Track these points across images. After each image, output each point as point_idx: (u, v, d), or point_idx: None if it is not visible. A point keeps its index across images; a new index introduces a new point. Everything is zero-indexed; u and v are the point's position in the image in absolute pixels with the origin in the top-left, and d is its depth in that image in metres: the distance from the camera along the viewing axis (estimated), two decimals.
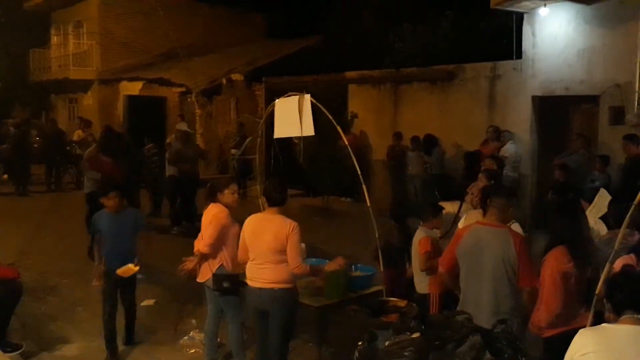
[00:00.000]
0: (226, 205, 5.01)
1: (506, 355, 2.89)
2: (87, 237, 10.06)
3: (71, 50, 22.12)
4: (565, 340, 2.81)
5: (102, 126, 14.38)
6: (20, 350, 5.44)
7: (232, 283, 4.89)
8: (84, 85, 21.65)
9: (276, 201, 4.47)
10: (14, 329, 5.76)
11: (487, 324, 3.26)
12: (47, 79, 22.57)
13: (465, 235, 4.14)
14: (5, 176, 15.10)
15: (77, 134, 15.20)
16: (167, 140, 11.90)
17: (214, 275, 4.91)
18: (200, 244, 4.98)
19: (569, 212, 3.88)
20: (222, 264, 4.93)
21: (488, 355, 2.84)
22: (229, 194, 5.03)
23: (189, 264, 5.07)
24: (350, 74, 14.01)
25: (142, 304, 6.85)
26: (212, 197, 5.08)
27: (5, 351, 5.03)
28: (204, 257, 4.97)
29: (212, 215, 4.97)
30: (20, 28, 22.31)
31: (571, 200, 4.49)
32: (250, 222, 4.54)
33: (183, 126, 11.38)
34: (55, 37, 23.61)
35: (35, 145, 16.32)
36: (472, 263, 4.04)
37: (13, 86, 23.20)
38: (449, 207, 5.21)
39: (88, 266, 8.46)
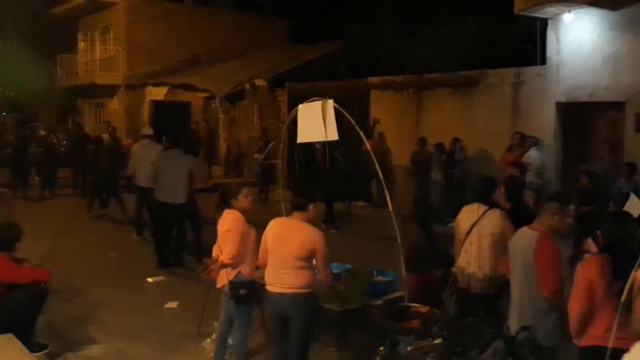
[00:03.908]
0: (241, 210, 4.98)
1: None
2: (111, 239, 10.28)
3: (98, 55, 22.49)
4: (598, 355, 2.81)
5: (128, 130, 14.51)
6: (46, 350, 5.53)
7: (249, 290, 4.89)
8: (110, 90, 21.97)
9: (296, 206, 4.46)
10: (40, 329, 5.86)
11: (516, 327, 3.29)
12: (75, 83, 22.97)
13: (512, 237, 4.31)
14: (37, 178, 15.37)
15: (104, 138, 15.41)
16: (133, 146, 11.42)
17: (231, 282, 4.88)
18: (222, 254, 4.94)
19: (622, 223, 3.81)
20: (240, 271, 4.90)
21: None
22: (243, 198, 5.00)
23: (213, 273, 5.06)
24: (372, 79, 14.02)
25: (165, 306, 6.94)
26: (226, 204, 5.05)
27: (32, 351, 5.12)
28: (224, 265, 4.96)
29: (229, 224, 4.91)
30: (48, 34, 22.75)
31: (624, 212, 4.40)
32: (273, 226, 4.52)
33: (147, 130, 11.13)
34: (83, 43, 24.01)
35: (61, 149, 16.61)
36: (511, 265, 4.20)
37: (41, 91, 23.66)
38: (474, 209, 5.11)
39: (112, 268, 8.65)
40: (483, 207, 5.00)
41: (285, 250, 4.35)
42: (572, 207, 4.44)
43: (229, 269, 4.91)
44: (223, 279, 4.96)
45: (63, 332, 6.16)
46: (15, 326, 5.12)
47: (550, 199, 4.27)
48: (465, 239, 5.00)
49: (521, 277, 4.06)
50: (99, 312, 6.79)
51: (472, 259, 4.95)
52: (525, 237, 4.09)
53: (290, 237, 4.36)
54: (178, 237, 8.92)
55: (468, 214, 5.07)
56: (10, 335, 4.73)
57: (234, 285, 4.87)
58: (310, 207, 4.44)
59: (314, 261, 4.40)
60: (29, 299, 5.45)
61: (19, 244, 5.61)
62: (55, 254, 8.81)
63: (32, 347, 5.25)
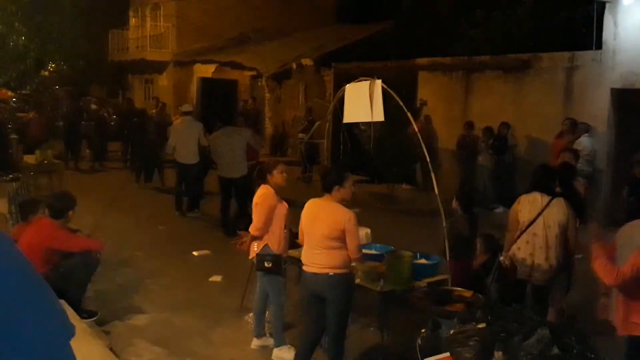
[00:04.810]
0: (275, 186, 5.11)
1: (574, 351, 2.83)
2: (159, 212, 10.51)
3: (148, 32, 22.82)
4: None
5: (176, 107, 14.66)
6: (95, 318, 5.73)
7: (274, 263, 4.99)
8: (159, 67, 22.30)
9: (323, 187, 4.46)
10: (89, 297, 6.07)
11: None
12: (125, 59, 23.40)
13: (623, 228, 4.00)
14: (88, 151, 15.81)
15: (151, 112, 15.71)
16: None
17: (257, 255, 5.04)
18: (251, 226, 5.11)
19: None
20: (267, 243, 5.03)
21: (555, 350, 2.80)
22: (277, 174, 5.12)
23: (244, 245, 5.21)
24: (420, 60, 13.82)
25: (210, 280, 7.09)
26: (262, 179, 5.18)
27: (81, 317, 5.30)
28: (253, 237, 5.12)
29: (258, 197, 5.08)
30: (101, 10, 23.16)
31: None
32: (308, 206, 4.54)
33: (187, 108, 11.17)
34: (134, 19, 24.41)
35: (112, 123, 17.01)
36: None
37: (93, 65, 24.18)
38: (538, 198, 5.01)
39: (159, 240, 8.86)
40: (546, 197, 4.88)
41: (317, 231, 4.38)
42: None
43: (257, 241, 5.07)
44: (253, 251, 5.13)
45: (111, 300, 6.36)
46: (67, 293, 5.31)
47: None
48: (525, 230, 4.88)
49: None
50: (146, 283, 6.98)
51: (536, 250, 4.84)
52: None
53: (321, 217, 4.37)
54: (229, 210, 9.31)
55: (530, 205, 4.92)
56: (62, 301, 4.90)
57: (260, 257, 5.03)
58: (335, 189, 4.37)
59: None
60: (81, 267, 5.64)
61: (72, 213, 5.79)
62: (105, 225, 9.06)
63: (81, 313, 5.45)
